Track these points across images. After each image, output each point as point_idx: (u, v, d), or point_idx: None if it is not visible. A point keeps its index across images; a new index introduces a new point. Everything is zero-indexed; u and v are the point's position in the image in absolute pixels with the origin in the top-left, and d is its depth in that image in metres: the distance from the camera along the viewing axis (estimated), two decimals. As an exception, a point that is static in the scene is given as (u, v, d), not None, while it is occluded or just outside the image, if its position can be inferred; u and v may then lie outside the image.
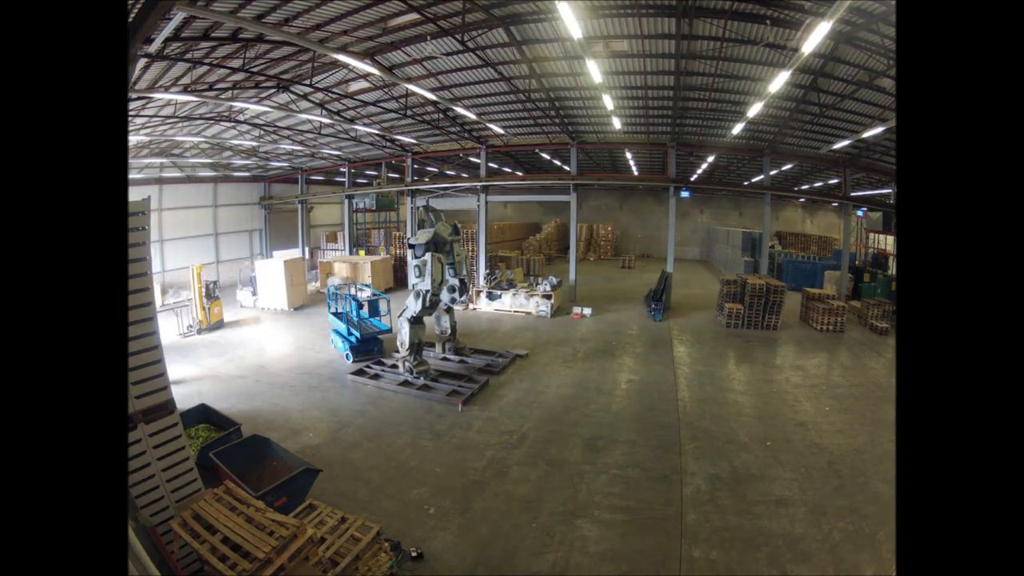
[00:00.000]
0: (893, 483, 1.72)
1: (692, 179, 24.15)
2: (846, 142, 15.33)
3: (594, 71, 10.40)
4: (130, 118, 13.70)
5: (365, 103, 15.35)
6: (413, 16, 10.31)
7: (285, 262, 18.77)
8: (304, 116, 15.70)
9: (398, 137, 19.46)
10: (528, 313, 17.56)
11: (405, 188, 22.42)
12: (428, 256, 10.62)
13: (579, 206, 19.49)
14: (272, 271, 18.80)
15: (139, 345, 4.92)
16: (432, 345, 12.78)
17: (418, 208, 19.27)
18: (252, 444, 7.23)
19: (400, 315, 11.30)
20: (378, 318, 13.61)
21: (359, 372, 11.46)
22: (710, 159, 23.47)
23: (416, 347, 11.04)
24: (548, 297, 17.54)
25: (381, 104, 15.57)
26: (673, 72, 12.51)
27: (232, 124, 16.55)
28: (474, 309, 18.13)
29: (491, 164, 24.33)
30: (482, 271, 20.03)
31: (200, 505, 4.91)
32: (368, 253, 24.73)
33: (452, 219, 11.99)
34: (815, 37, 7.59)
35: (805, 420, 9.20)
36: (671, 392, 10.51)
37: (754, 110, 12.62)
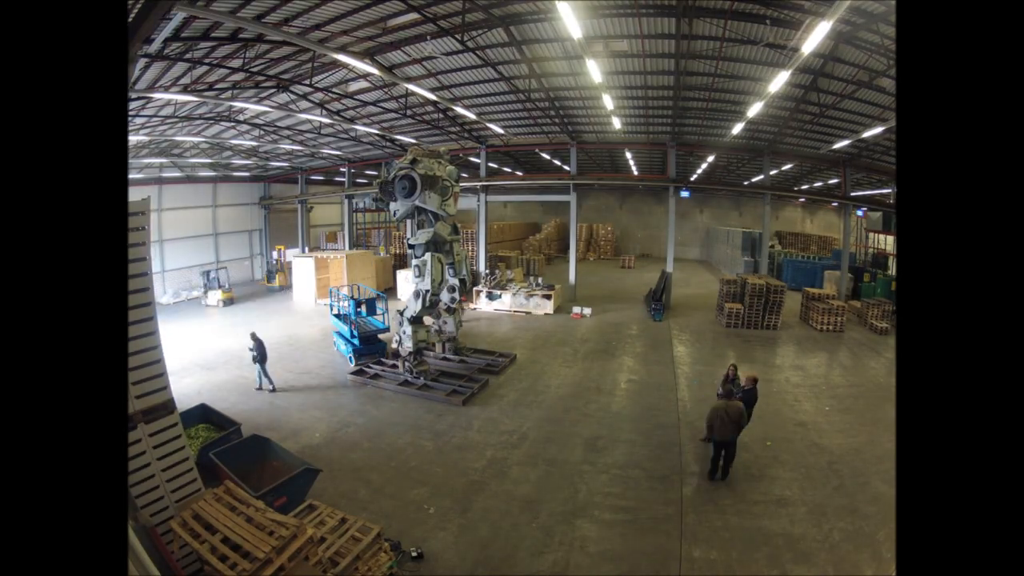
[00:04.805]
0: (893, 483, 1.72)
1: (692, 179, 24.13)
2: (846, 142, 15.33)
3: (594, 71, 10.40)
4: (130, 118, 13.69)
5: (365, 103, 15.34)
6: (413, 16, 10.31)
7: (316, 258, 20.11)
8: (304, 116, 15.70)
9: (398, 137, 19.45)
10: (528, 313, 17.56)
11: (405, 188, 22.34)
12: (428, 256, 10.61)
13: (579, 206, 19.48)
14: (303, 267, 20.10)
15: (139, 345, 4.91)
16: (432, 345, 12.76)
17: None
18: (252, 444, 7.23)
19: (400, 315, 11.29)
20: (376, 316, 13.63)
21: (359, 372, 11.46)
22: (710, 159, 23.45)
23: (416, 347, 11.02)
24: (548, 297, 17.54)
25: (381, 104, 15.56)
26: (673, 72, 12.51)
27: (232, 124, 16.54)
28: (474, 309, 18.12)
29: (491, 164, 24.31)
30: (482, 271, 20.03)
31: (200, 505, 4.91)
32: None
33: (452, 219, 11.96)
34: (815, 37, 7.59)
35: (805, 420, 9.20)
36: (671, 392, 10.51)
37: (754, 110, 12.61)
